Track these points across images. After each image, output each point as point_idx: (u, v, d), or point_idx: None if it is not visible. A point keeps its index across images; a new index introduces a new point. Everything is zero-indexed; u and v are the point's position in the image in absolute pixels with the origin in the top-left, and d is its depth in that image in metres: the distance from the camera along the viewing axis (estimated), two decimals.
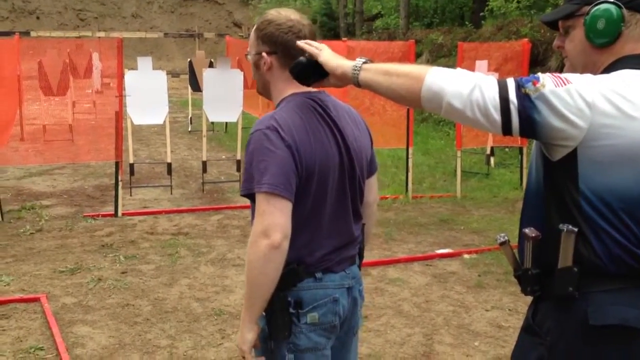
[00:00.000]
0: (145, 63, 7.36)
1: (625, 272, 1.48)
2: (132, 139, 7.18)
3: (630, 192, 1.46)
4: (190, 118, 12.21)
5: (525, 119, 1.43)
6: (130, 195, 7.11)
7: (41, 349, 3.60)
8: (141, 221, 6.25)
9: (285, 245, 1.69)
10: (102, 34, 19.80)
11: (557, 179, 1.52)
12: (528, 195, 1.66)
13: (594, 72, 1.54)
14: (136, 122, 7.10)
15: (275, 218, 1.68)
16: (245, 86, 7.66)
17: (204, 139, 7.39)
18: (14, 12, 25.53)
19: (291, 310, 1.79)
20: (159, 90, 7.09)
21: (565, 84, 1.42)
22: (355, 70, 1.61)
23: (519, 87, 1.43)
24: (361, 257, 2.00)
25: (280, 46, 1.81)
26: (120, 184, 6.39)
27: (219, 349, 3.64)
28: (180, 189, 7.62)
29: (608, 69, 1.53)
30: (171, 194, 7.29)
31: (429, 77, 1.50)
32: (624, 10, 1.51)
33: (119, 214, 6.36)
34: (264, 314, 1.79)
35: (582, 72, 1.54)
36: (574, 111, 1.41)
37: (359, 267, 1.98)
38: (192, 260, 5.14)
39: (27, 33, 18.95)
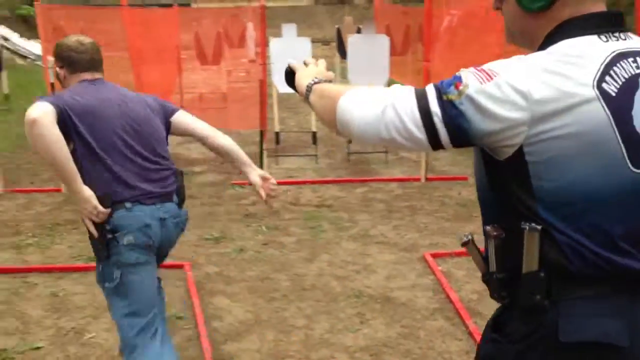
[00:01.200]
0: (289, 30, 7.27)
1: (603, 276, 1.24)
2: (277, 107, 7.15)
3: (596, 188, 1.22)
4: None
5: (454, 130, 1.23)
6: (277, 164, 7.11)
7: (181, 317, 3.62)
8: (285, 191, 6.20)
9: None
10: (256, 4, 20.20)
11: (506, 180, 1.28)
12: (480, 193, 1.42)
13: (534, 42, 1.33)
14: (281, 90, 7.06)
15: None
16: (393, 52, 7.31)
17: None
18: None
19: (109, 236, 2.39)
20: (303, 58, 6.98)
21: (492, 78, 1.21)
22: (307, 91, 1.53)
23: (439, 94, 1.24)
24: (180, 197, 2.65)
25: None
26: (264, 152, 6.36)
27: (357, 335, 3.42)
28: (326, 158, 7.49)
29: (549, 38, 1.29)
30: (317, 163, 7.18)
31: (342, 100, 1.35)
32: None
33: None
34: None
35: (521, 41, 1.38)
36: (508, 107, 1.19)
37: (178, 205, 2.63)
38: (333, 235, 4.97)
39: (187, 4, 19.93)
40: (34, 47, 14.92)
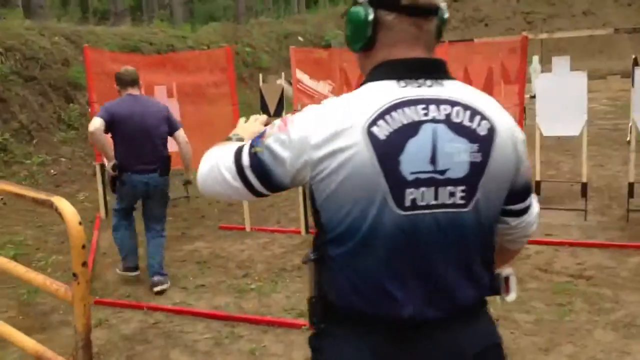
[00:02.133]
0: (561, 63, 6.29)
1: (364, 315, 1.30)
2: (539, 153, 6.21)
3: (365, 228, 1.27)
4: (630, 126, 10.36)
5: (261, 177, 1.36)
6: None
7: None
8: (538, 252, 5.25)
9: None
10: (544, 36, 18.87)
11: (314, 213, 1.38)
12: None
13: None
14: (546, 133, 6.14)
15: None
16: None
17: (632, 155, 5.89)
18: (464, 22, 26.68)
19: (118, 184, 4.64)
20: (576, 96, 5.96)
21: (286, 127, 1.32)
22: None
23: (251, 147, 1.38)
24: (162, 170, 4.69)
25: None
26: None
27: None
28: (598, 214, 6.27)
29: (365, 79, 1.38)
30: (585, 220, 6.03)
31: (202, 160, 1.50)
32: (375, 11, 1.32)
33: None
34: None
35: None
36: (293, 152, 1.29)
37: (160, 174, 4.67)
38: (586, 319, 3.94)
39: (470, 40, 19.48)
40: None
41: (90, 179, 7.49)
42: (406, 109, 1.27)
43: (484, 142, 1.29)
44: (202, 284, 4.86)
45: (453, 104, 1.30)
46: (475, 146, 1.28)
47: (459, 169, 1.27)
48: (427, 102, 1.28)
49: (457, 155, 1.27)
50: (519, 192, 1.43)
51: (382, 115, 1.26)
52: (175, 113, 6.04)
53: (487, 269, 1.40)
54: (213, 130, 7.49)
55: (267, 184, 1.36)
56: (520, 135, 1.39)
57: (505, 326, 3.88)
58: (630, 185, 5.89)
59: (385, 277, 1.27)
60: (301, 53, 7.29)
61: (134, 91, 4.65)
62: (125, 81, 4.64)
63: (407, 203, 1.25)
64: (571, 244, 5.35)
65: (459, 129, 1.28)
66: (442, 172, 1.27)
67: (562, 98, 6.00)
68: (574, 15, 25.93)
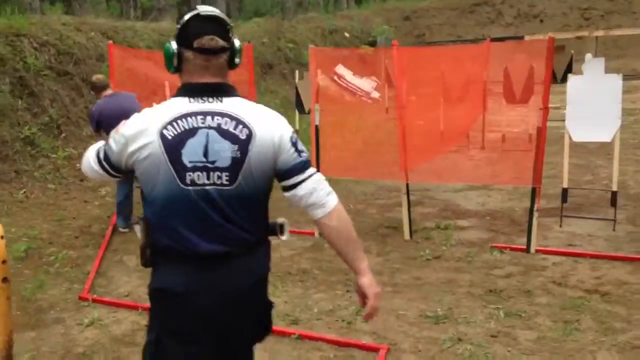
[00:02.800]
0: (594, 65, 5.94)
1: (175, 251, 1.96)
2: (568, 159, 5.89)
3: (164, 196, 1.93)
4: None
5: (108, 164, 2.07)
6: (560, 227, 5.87)
7: None
8: (555, 263, 4.97)
9: None
10: (600, 33, 18.15)
11: None
12: None
13: None
14: (576, 138, 5.81)
15: None
16: None
17: None
18: (519, 18, 25.88)
19: None
20: (609, 100, 5.61)
21: (119, 129, 2.01)
22: None
23: (105, 145, 2.09)
24: None
25: None
26: (535, 214, 5.23)
27: None
28: (629, 224, 5.90)
29: (175, 94, 2.04)
30: (614, 230, 5.69)
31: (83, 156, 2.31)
32: (178, 48, 1.97)
33: (532, 249, 5.22)
34: None
35: None
36: (119, 147, 1.99)
37: None
38: (592, 338, 3.69)
39: (520, 37, 18.88)
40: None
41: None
42: (189, 119, 1.93)
43: (243, 144, 1.93)
44: None
45: (224, 115, 1.94)
46: (236, 146, 1.93)
47: (224, 161, 1.93)
48: (205, 114, 1.94)
49: (223, 152, 1.92)
50: (284, 174, 2.02)
51: (171, 122, 1.92)
52: None
53: (257, 221, 2.05)
54: None
55: (112, 168, 2.07)
56: (284, 135, 2.00)
57: (503, 343, 3.68)
58: None
59: (182, 226, 1.94)
60: (321, 53, 7.14)
61: (107, 92, 5.97)
62: (100, 87, 6.00)
63: (188, 181, 1.92)
64: (592, 256, 5.04)
65: (225, 134, 1.93)
66: (212, 162, 1.92)
67: (595, 102, 5.65)
68: (634, 12, 24.80)
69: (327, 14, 22.16)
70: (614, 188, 5.73)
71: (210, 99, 1.94)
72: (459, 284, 4.64)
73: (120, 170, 2.05)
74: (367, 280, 2.02)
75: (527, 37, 19.00)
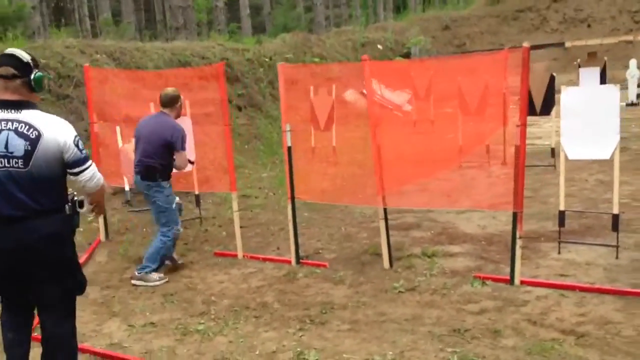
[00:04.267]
0: (590, 75, 5.42)
1: None
2: (564, 179, 5.36)
3: None
4: None
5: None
6: (559, 253, 5.33)
7: None
8: (539, 297, 4.47)
9: None
10: None
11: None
12: None
13: None
14: (571, 156, 5.27)
15: None
16: None
17: None
18: (564, 23, 24.87)
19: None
20: (606, 113, 5.07)
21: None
22: None
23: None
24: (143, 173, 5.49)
25: None
26: (518, 242, 4.73)
27: None
28: (636, 251, 5.31)
29: None
30: (616, 258, 5.12)
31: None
32: None
33: (515, 281, 4.73)
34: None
35: None
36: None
37: (142, 178, 5.49)
38: None
39: (561, 44, 18.02)
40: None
41: (108, 197, 7.45)
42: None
43: (33, 141, 2.95)
44: (153, 321, 4.54)
45: (20, 122, 2.96)
46: (28, 143, 2.94)
47: (20, 152, 2.92)
48: (7, 121, 2.97)
49: (19, 146, 2.93)
50: (71, 165, 3.05)
51: None
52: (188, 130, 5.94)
53: (47, 195, 3.01)
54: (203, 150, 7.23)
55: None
56: (68, 138, 3.03)
57: None
58: None
59: None
60: (376, 64, 6.80)
61: (164, 110, 5.61)
62: (162, 102, 5.67)
63: None
64: (581, 289, 4.51)
65: (21, 135, 2.94)
66: (11, 153, 2.92)
67: (591, 115, 5.11)
68: None
69: (361, 26, 21.84)
70: (615, 211, 5.16)
71: (12, 110, 2.98)
72: (423, 321, 4.21)
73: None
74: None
75: (567, 44, 18.14)
